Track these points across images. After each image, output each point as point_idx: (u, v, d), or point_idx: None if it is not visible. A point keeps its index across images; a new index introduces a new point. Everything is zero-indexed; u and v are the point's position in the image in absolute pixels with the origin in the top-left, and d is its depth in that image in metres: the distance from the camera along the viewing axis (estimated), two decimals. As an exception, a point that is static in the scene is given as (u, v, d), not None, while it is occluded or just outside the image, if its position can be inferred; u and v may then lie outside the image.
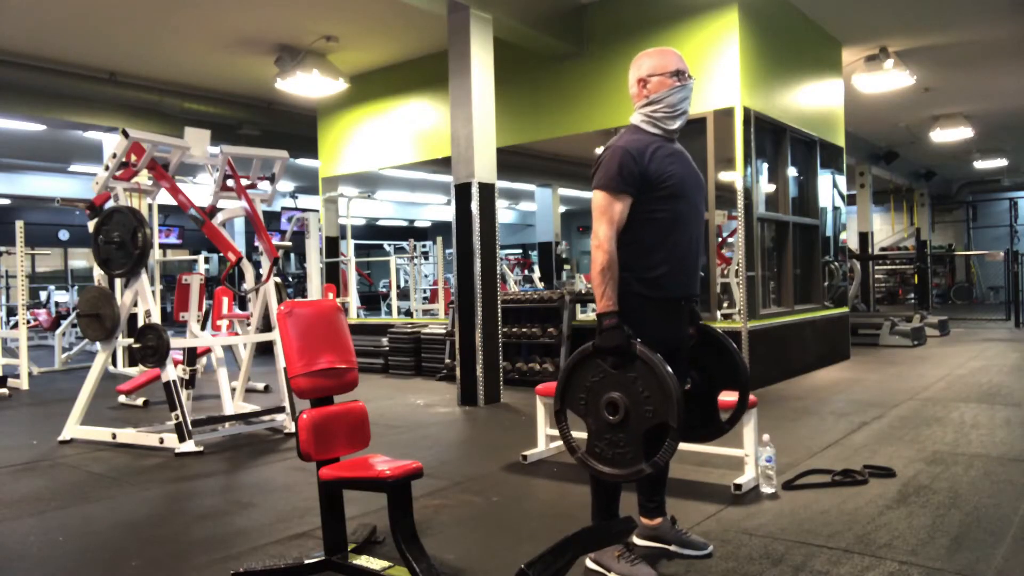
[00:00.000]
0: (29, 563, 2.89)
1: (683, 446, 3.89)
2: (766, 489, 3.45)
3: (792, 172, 7.54)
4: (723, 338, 2.70)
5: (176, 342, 4.97)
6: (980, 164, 16.24)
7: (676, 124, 2.58)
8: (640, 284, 2.49)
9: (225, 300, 7.62)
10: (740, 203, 6.38)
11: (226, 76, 9.29)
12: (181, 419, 4.70)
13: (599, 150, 2.60)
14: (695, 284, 2.64)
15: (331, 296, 9.35)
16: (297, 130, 10.79)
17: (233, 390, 5.81)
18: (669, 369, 2.27)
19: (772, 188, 7.31)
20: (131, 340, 5.27)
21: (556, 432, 4.20)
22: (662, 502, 2.80)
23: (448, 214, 8.76)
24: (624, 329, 2.35)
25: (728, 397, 2.72)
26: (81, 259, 21.26)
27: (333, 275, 10.10)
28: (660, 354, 2.30)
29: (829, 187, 8.39)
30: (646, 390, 2.30)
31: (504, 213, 20.90)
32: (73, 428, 5.11)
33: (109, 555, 2.96)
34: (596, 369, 2.40)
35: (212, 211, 5.43)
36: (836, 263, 8.62)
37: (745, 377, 2.69)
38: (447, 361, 7.77)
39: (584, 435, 2.45)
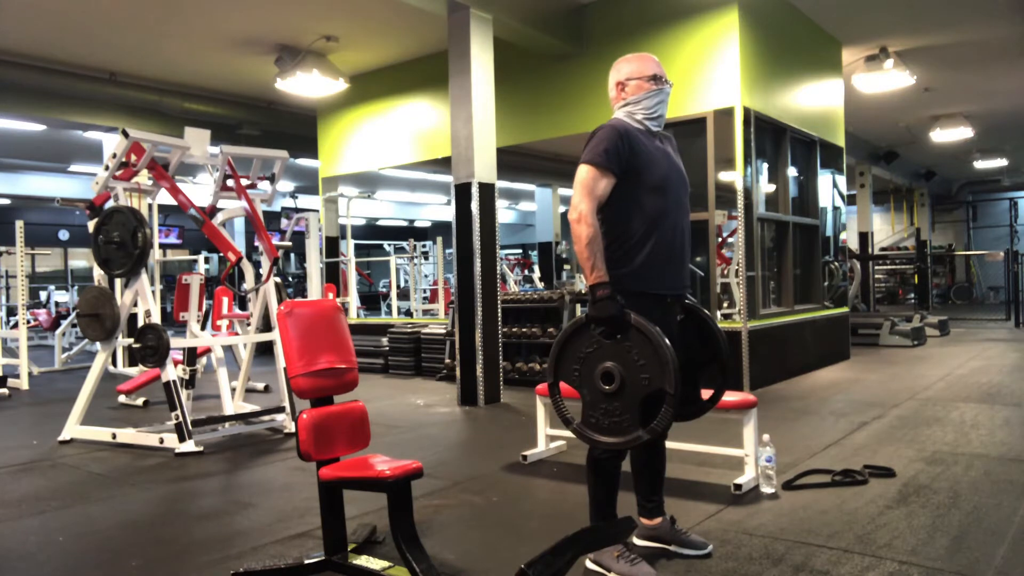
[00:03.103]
0: (29, 563, 2.89)
1: (683, 446, 3.91)
2: (766, 489, 3.46)
3: (792, 172, 7.54)
4: (703, 312, 2.70)
5: (176, 342, 4.97)
6: (980, 164, 16.23)
7: (653, 126, 2.64)
8: (628, 279, 2.48)
9: (225, 300, 7.62)
10: (740, 203, 6.38)
11: (226, 76, 9.29)
12: (181, 419, 4.70)
13: None
14: (684, 278, 2.63)
15: (331, 296, 9.35)
16: (297, 130, 10.79)
17: (233, 390, 5.80)
18: (664, 337, 2.28)
19: (772, 188, 7.31)
20: (131, 340, 5.27)
21: (556, 432, 4.22)
22: (661, 502, 2.80)
23: (448, 214, 8.76)
24: (617, 299, 2.36)
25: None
26: (81, 259, 21.26)
27: (333, 275, 10.10)
28: None
29: (829, 187, 8.39)
30: (641, 358, 2.31)
31: (504, 213, 20.90)
32: (73, 428, 5.11)
33: (109, 555, 2.96)
34: (590, 340, 2.41)
35: (212, 211, 5.43)
36: (836, 263, 8.62)
37: (725, 351, 2.67)
38: (447, 361, 7.77)
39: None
